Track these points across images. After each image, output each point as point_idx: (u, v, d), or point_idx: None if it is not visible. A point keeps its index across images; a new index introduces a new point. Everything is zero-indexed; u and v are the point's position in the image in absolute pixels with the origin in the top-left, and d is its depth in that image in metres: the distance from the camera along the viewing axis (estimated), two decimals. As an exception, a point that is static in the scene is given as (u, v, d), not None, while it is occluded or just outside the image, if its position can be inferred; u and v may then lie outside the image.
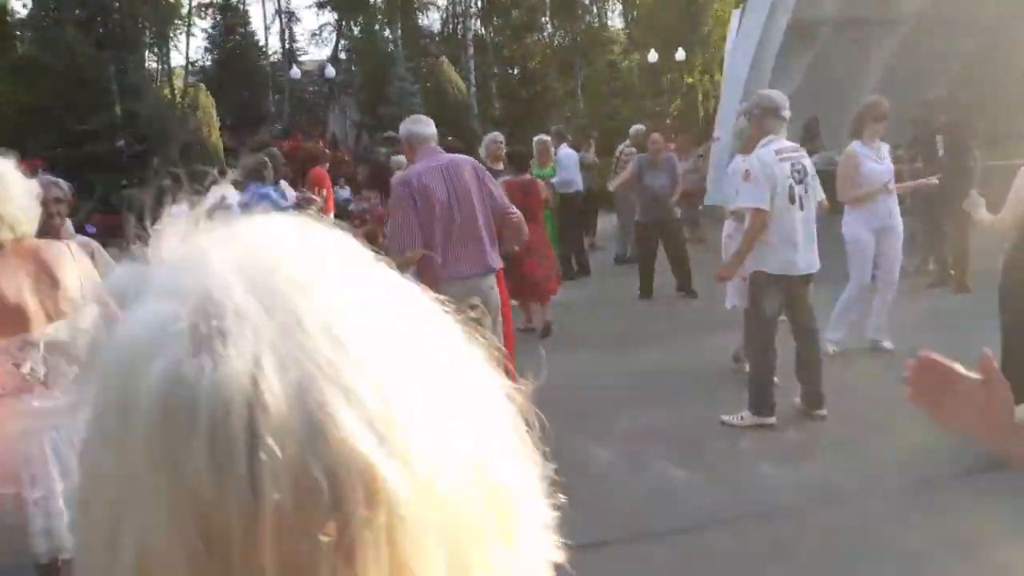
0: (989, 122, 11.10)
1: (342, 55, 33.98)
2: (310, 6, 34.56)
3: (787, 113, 4.98)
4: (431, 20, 37.13)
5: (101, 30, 26.30)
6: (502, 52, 35.41)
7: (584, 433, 4.82)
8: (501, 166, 7.52)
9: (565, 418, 5.21)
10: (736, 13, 15.82)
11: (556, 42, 34.85)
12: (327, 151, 20.94)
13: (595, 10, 37.16)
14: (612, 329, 7.44)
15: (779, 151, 4.89)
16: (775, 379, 4.99)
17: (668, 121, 25.40)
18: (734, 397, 5.13)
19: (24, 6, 28.98)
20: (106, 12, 25.84)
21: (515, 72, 28.17)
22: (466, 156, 4.47)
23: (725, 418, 5.01)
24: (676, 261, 8.54)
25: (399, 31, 31.67)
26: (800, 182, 4.82)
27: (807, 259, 4.87)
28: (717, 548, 3.56)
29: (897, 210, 6.08)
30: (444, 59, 24.83)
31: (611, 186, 9.67)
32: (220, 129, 20.91)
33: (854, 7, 14.08)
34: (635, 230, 8.91)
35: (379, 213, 8.20)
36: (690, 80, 30.90)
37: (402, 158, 13.12)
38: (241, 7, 32.16)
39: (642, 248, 8.70)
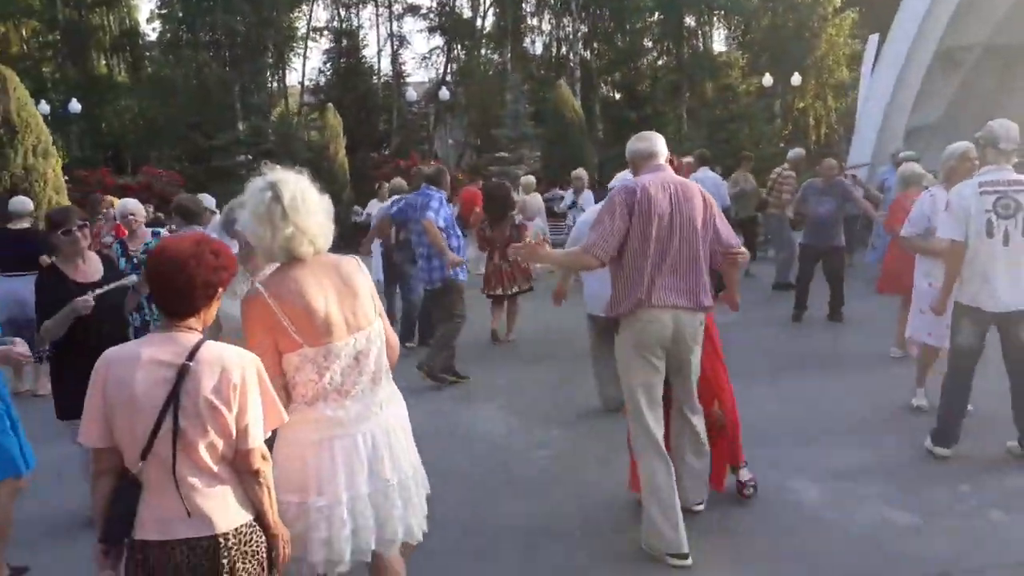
0: None
1: (448, 78, 34.71)
2: (421, 30, 35.29)
3: (1006, 145, 4.69)
4: (535, 45, 37.78)
5: (227, 52, 27.69)
6: (606, 76, 35.65)
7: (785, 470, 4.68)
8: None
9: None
10: (873, 39, 15.36)
11: (660, 64, 34.76)
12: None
13: (700, 34, 37.04)
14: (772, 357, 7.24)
15: (985, 183, 4.66)
16: (968, 408, 4.89)
17: (781, 145, 24.86)
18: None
19: (154, 29, 30.83)
20: (232, 33, 27.08)
21: (617, 95, 27.94)
22: (696, 184, 4.12)
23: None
24: (834, 287, 8.49)
25: (508, 55, 32.05)
26: (1007, 217, 4.57)
27: (1008, 296, 4.59)
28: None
29: None
30: (562, 82, 24.94)
31: (789, 212, 9.55)
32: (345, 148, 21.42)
33: (1001, 34, 13.51)
34: (800, 252, 8.83)
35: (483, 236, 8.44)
36: (801, 105, 30.27)
37: (530, 179, 13.25)
38: (355, 29, 33.20)
39: (803, 271, 8.67)
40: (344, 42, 32.26)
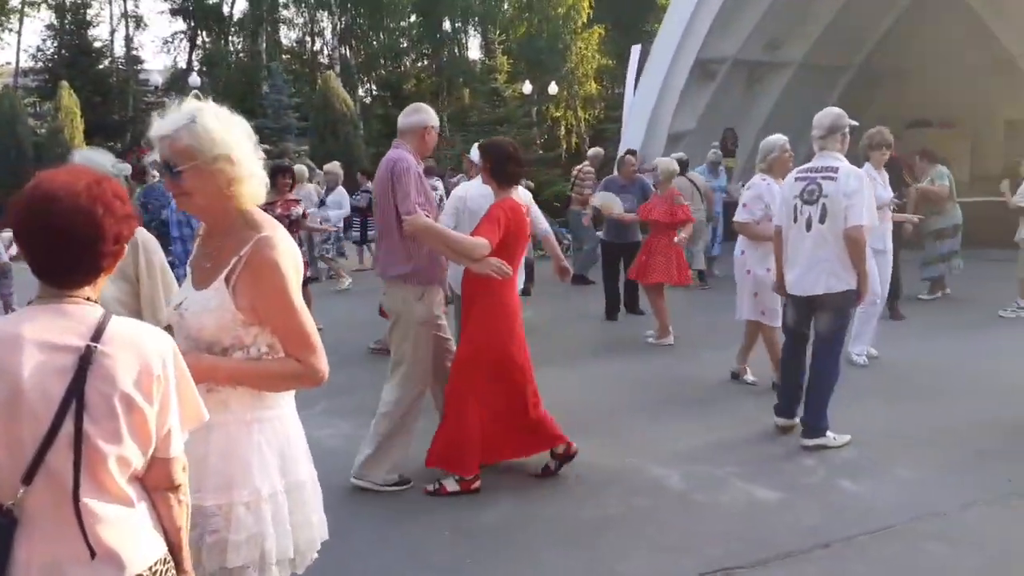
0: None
1: (194, 65, 32.15)
2: (163, 12, 32.39)
3: (816, 132, 4.92)
4: (289, 37, 36.32)
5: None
6: (364, 75, 35.10)
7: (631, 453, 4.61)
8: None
9: (599, 434, 4.95)
10: (635, 50, 16.32)
11: (421, 66, 34.91)
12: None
13: (457, 40, 37.71)
14: (584, 345, 7.28)
15: (801, 171, 4.90)
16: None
17: (540, 152, 25.85)
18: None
19: None
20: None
21: (377, 93, 27.62)
22: (395, 153, 4.18)
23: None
24: (632, 282, 8.38)
25: (263, 44, 30.35)
26: (810, 203, 4.74)
27: (803, 280, 4.75)
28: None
29: (890, 237, 6.37)
30: (332, 73, 23.96)
31: (592, 202, 9.40)
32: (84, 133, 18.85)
33: (745, 50, 14.96)
34: (602, 250, 8.67)
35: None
36: (557, 114, 31.74)
37: (302, 169, 12.43)
38: (81, 4, 29.60)
39: (608, 269, 8.48)
40: (68, 18, 28.69)
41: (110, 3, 30.78)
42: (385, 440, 4.18)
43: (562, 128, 32.58)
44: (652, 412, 5.49)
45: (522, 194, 5.42)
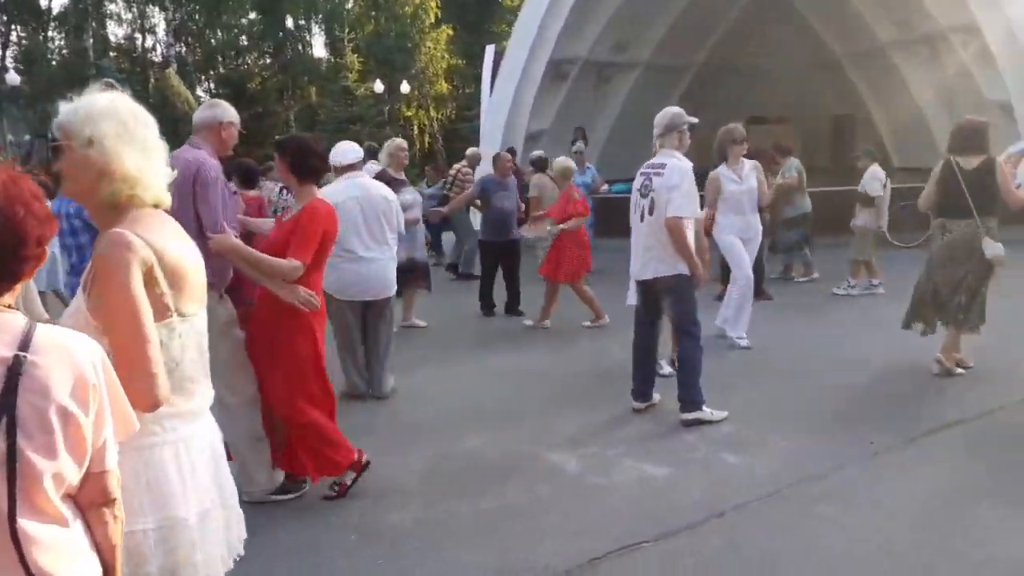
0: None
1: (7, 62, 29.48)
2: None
3: (655, 131, 5.18)
4: (117, 33, 34.13)
5: None
6: (201, 73, 33.53)
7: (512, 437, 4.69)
8: (402, 175, 6.98)
9: (491, 426, 4.98)
10: (489, 50, 16.51)
11: (265, 64, 33.77)
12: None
13: (301, 37, 36.76)
14: (466, 340, 7.30)
15: (644, 166, 5.16)
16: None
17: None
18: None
19: None
20: None
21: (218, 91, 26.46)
22: (195, 155, 3.75)
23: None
24: (512, 281, 8.44)
25: (89, 40, 28.30)
26: (644, 195, 5.06)
27: (636, 267, 5.13)
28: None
29: (757, 224, 6.86)
30: (171, 71, 22.62)
31: (448, 209, 9.14)
32: None
33: (594, 51, 15.49)
34: (480, 248, 8.61)
35: None
36: (409, 113, 31.59)
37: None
38: None
39: (486, 266, 8.45)
40: None
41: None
42: (243, 450, 3.95)
43: (415, 127, 32.48)
44: (539, 402, 5.56)
45: (379, 191, 5.37)
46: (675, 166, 4.94)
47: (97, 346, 1.58)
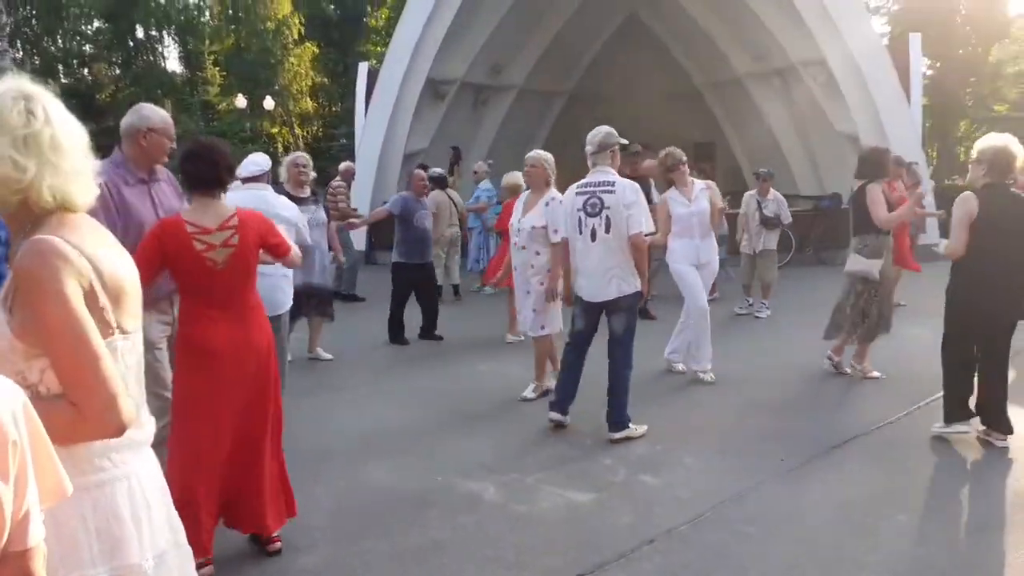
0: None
1: None
2: None
3: (589, 148, 5.19)
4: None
5: None
6: (47, 80, 31.16)
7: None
8: (307, 192, 6.41)
9: (399, 454, 4.79)
10: (363, 67, 16.18)
11: (114, 75, 31.77)
12: None
13: (152, 48, 34.95)
14: (365, 367, 6.98)
15: (581, 185, 5.14)
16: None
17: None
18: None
19: None
20: None
21: (76, 103, 24.60)
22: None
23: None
24: (430, 304, 8.03)
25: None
26: (594, 215, 5.02)
27: (593, 288, 5.03)
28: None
29: (711, 249, 6.52)
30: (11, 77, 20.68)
31: (365, 221, 8.69)
32: None
33: (474, 74, 15.54)
34: (393, 272, 7.90)
35: None
36: (274, 130, 30.50)
37: None
38: None
39: (399, 291, 7.85)
40: None
41: None
42: None
43: (279, 144, 31.41)
44: (445, 428, 5.38)
45: (277, 207, 5.02)
46: (624, 183, 4.95)
47: (16, 389, 1.28)
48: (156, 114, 3.71)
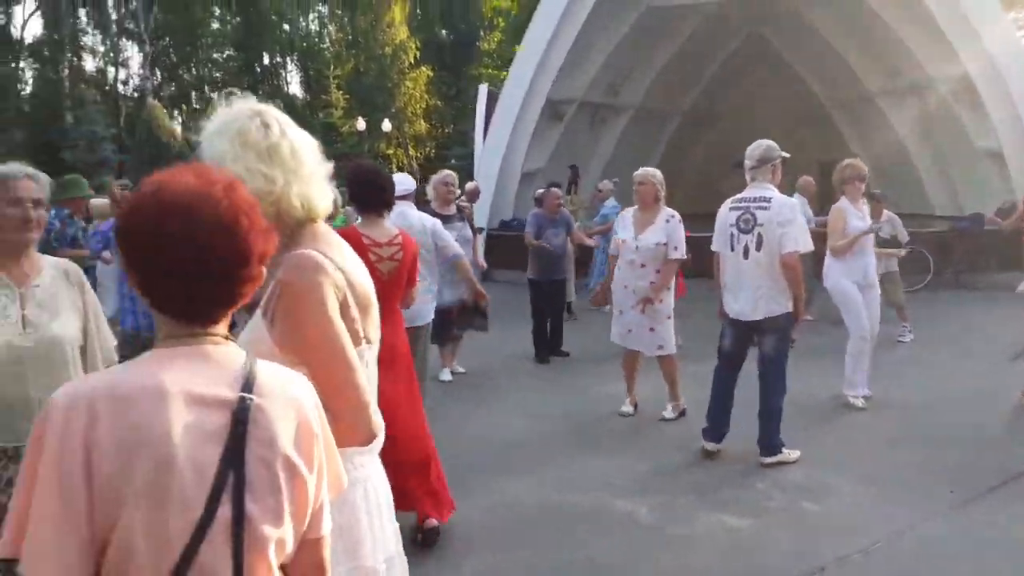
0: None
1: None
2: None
3: (748, 163, 5.04)
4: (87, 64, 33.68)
5: None
6: (179, 106, 33.21)
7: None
8: (452, 210, 6.57)
9: (543, 470, 4.78)
10: (483, 89, 16.51)
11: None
12: None
13: (276, 75, 36.72)
14: (502, 382, 7.02)
15: (735, 200, 5.01)
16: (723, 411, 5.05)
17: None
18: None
19: None
20: None
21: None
22: None
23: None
24: (557, 322, 7.98)
25: (65, 71, 27.83)
26: (746, 232, 4.89)
27: (744, 306, 4.90)
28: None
29: (873, 269, 6.18)
30: (157, 103, 22.22)
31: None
32: None
33: (592, 94, 15.59)
34: (530, 288, 7.93)
35: None
36: (389, 151, 31.44)
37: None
38: None
39: (537, 308, 7.84)
40: None
41: None
42: None
43: (394, 165, 32.35)
44: (583, 444, 5.35)
45: (420, 219, 5.16)
46: (782, 200, 4.82)
47: (311, 387, 1.36)
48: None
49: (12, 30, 30.78)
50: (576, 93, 15.24)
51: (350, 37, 33.86)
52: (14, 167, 2.40)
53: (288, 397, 1.27)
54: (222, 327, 1.29)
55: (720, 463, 4.95)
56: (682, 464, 4.96)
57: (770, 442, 4.83)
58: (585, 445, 5.34)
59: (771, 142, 5.01)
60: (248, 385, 1.22)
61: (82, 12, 30.98)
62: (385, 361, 3.54)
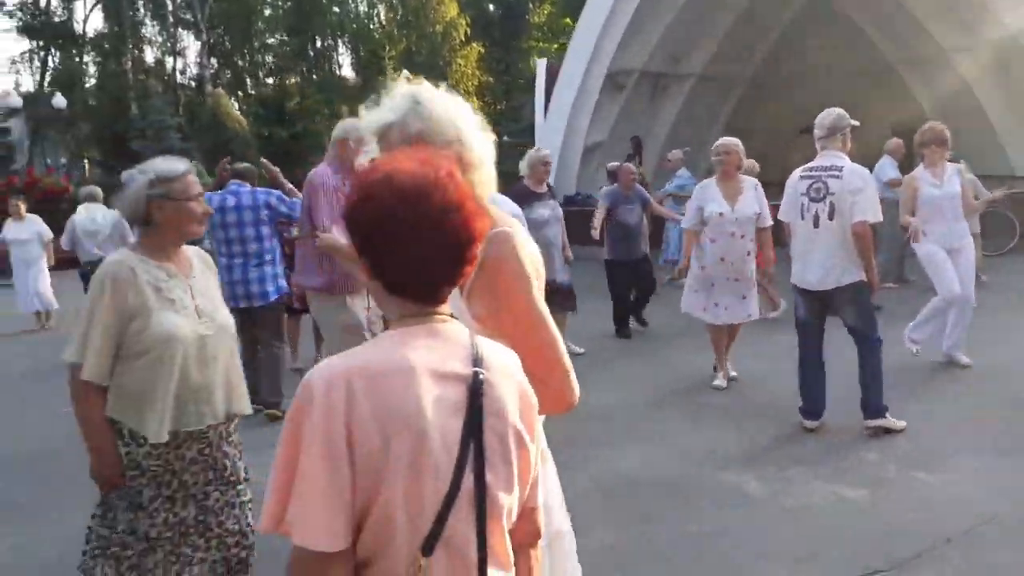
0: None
1: (45, 85, 29.72)
2: (9, 30, 29.90)
3: (818, 132, 4.99)
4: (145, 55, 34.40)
5: None
6: (236, 92, 33.70)
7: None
8: (544, 188, 6.51)
9: (649, 441, 4.79)
10: (541, 63, 16.41)
11: (293, 83, 33.84)
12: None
13: (326, 58, 36.96)
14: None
15: (806, 169, 4.96)
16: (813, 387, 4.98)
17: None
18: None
19: None
20: None
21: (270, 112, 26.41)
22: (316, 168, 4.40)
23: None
24: (646, 293, 7.90)
25: (128, 63, 28.50)
26: (817, 200, 4.83)
27: (814, 276, 4.85)
28: None
29: (965, 231, 6.07)
30: (221, 91, 22.66)
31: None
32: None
33: (652, 61, 15.36)
34: (608, 270, 7.72)
35: None
36: (442, 130, 31.44)
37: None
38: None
39: (617, 290, 7.72)
40: None
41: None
42: None
43: (446, 144, 32.41)
44: (680, 418, 5.36)
45: (500, 199, 5.15)
46: (854, 169, 4.76)
47: (519, 361, 1.40)
48: (353, 128, 4.27)
49: (75, 25, 31.65)
50: (636, 63, 15.02)
51: (399, 17, 33.90)
52: (182, 163, 2.48)
53: (508, 370, 1.33)
54: (447, 306, 1.33)
55: (824, 434, 4.89)
56: (783, 436, 4.93)
57: (874, 405, 4.76)
58: (684, 418, 5.35)
59: (841, 110, 4.95)
60: (478, 360, 1.27)
61: (139, 4, 31.67)
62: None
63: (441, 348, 1.26)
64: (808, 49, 16.95)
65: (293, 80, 33.96)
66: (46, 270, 10.28)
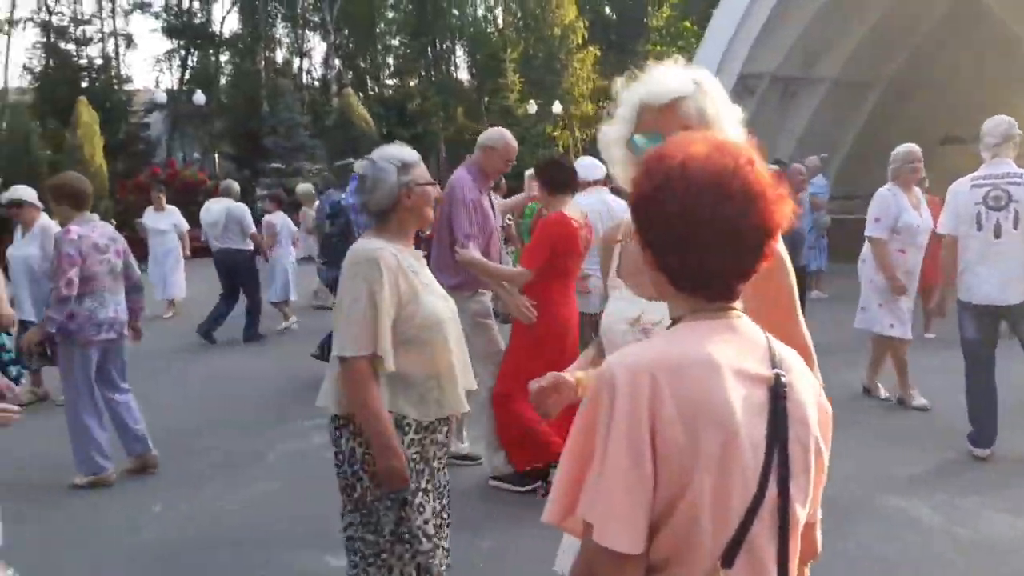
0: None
1: (184, 84, 31.49)
2: (155, 30, 31.85)
3: (990, 140, 4.70)
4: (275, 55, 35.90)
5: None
6: (359, 93, 34.72)
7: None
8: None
9: None
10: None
11: (412, 85, 34.61)
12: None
13: (444, 60, 37.59)
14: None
15: (978, 177, 4.68)
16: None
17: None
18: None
19: None
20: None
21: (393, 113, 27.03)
22: (457, 174, 4.43)
23: None
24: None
25: (262, 62, 29.85)
26: (997, 209, 4.55)
27: (993, 289, 4.54)
28: None
29: None
30: (350, 91, 23.46)
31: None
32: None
33: (784, 66, 14.89)
34: None
35: None
36: (555, 133, 31.47)
37: (306, 187, 11.63)
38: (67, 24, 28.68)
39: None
40: (52, 36, 27.72)
41: (101, 21, 30.07)
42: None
43: (559, 147, 32.42)
44: (847, 438, 5.09)
45: (619, 205, 5.05)
46: None
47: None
48: (497, 137, 4.44)
49: (213, 26, 33.36)
50: (768, 67, 14.58)
51: (518, 20, 34.11)
52: (407, 149, 2.51)
53: (806, 375, 1.26)
54: (740, 301, 1.26)
55: (997, 461, 4.58)
56: (954, 460, 4.66)
57: None
58: (848, 438, 5.09)
59: (1011, 118, 4.69)
60: (777, 361, 1.20)
61: (271, 6, 33.11)
62: (558, 335, 4.08)
63: (739, 345, 1.19)
64: (950, 53, 16.06)
65: (413, 82, 34.78)
66: (181, 260, 10.62)
